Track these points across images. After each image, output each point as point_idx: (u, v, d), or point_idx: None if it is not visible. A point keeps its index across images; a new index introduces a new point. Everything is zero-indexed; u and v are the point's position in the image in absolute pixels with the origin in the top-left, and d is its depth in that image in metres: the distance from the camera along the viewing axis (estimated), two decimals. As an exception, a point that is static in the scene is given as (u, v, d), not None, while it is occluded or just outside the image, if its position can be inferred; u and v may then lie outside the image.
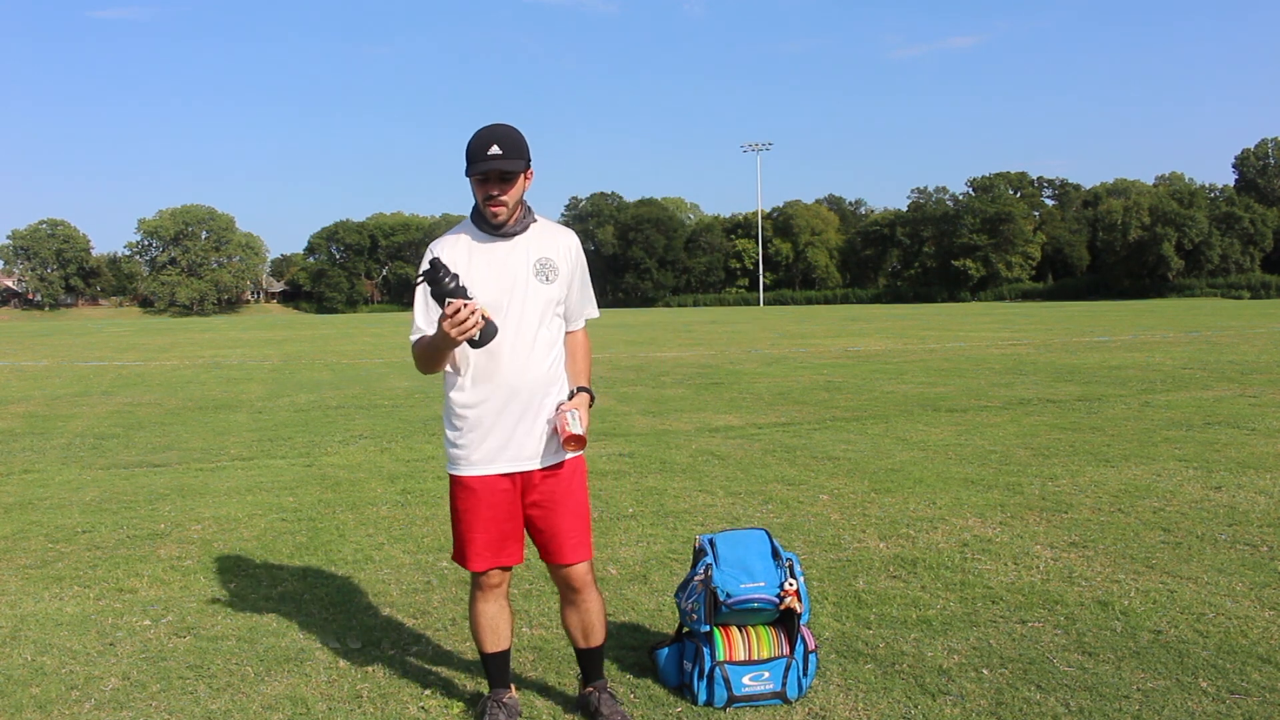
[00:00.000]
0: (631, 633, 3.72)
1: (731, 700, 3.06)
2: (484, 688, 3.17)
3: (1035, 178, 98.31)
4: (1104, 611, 3.80)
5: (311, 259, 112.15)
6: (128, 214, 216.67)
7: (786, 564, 3.20)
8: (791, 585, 3.14)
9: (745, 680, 3.08)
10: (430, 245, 2.87)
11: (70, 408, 12.16)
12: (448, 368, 2.85)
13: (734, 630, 3.20)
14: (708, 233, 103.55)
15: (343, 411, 11.05)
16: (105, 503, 6.25)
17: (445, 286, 2.56)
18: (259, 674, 3.41)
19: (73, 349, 29.19)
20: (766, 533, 3.31)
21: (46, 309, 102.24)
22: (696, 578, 3.21)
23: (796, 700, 3.09)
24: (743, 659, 3.11)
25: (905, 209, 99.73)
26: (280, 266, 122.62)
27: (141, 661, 3.54)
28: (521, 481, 2.87)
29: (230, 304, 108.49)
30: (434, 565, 4.68)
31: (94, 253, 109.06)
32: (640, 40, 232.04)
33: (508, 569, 2.95)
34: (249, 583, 4.48)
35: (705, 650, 3.11)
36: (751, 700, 3.07)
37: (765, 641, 3.15)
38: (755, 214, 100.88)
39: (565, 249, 2.91)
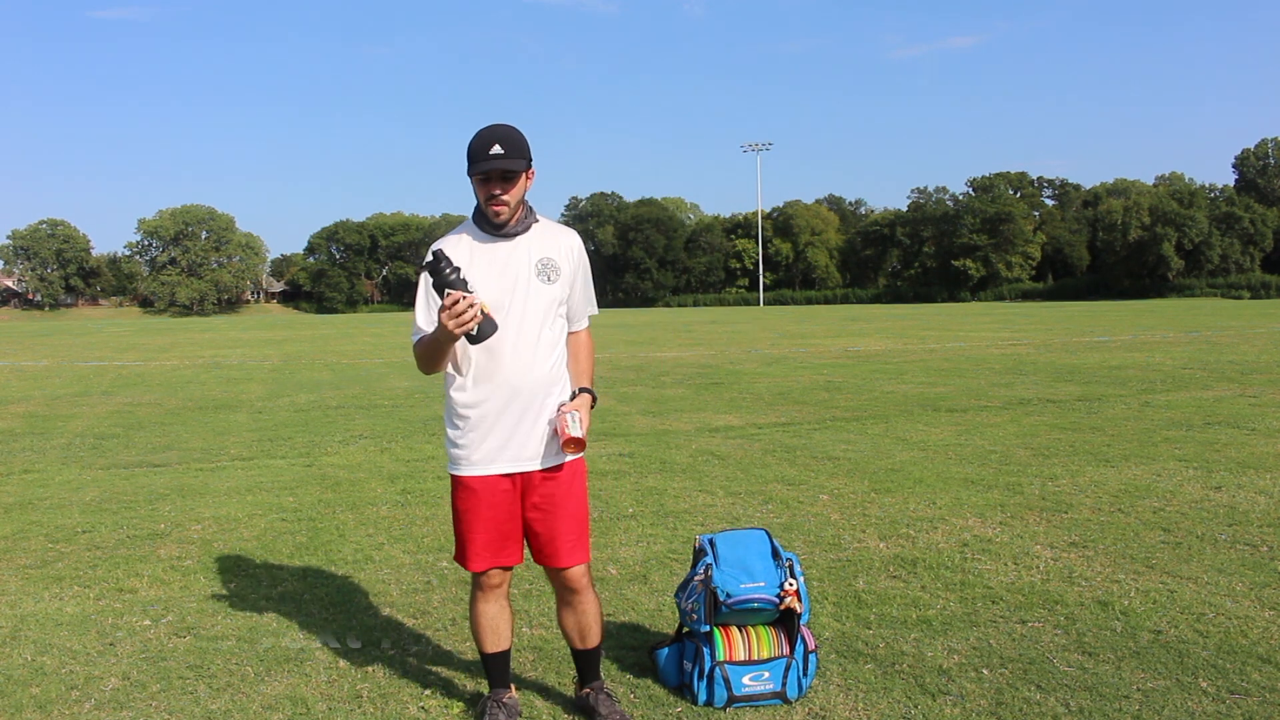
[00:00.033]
0: (631, 633, 3.72)
1: (731, 700, 3.06)
2: (484, 688, 3.17)
3: (1035, 178, 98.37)
4: (1104, 611, 3.80)
5: (311, 259, 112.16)
6: (128, 214, 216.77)
7: (786, 564, 3.20)
8: (791, 585, 3.14)
9: (745, 680, 3.08)
10: (433, 246, 2.87)
11: (70, 408, 12.16)
12: (450, 369, 2.85)
13: (734, 630, 3.20)
14: (708, 233, 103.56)
15: (343, 411, 11.05)
16: (105, 503, 6.25)
17: (446, 277, 2.56)
18: (259, 674, 3.40)
19: (73, 349, 29.19)
20: (766, 533, 3.31)
21: (46, 309, 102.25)
22: (696, 578, 3.21)
23: (796, 700, 3.09)
24: (743, 659, 3.11)
25: (905, 209, 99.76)
26: (280, 266, 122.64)
27: (141, 661, 3.54)
28: (522, 482, 2.87)
29: (230, 304, 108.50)
30: (434, 565, 4.68)
31: (94, 253, 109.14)
32: (640, 40, 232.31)
33: (508, 569, 2.95)
34: (249, 583, 4.48)
35: (705, 650, 3.11)
36: (751, 700, 3.07)
37: (765, 641, 3.15)
38: (755, 214, 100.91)
39: (567, 249, 2.91)
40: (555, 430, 2.81)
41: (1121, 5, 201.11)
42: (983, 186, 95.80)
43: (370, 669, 3.44)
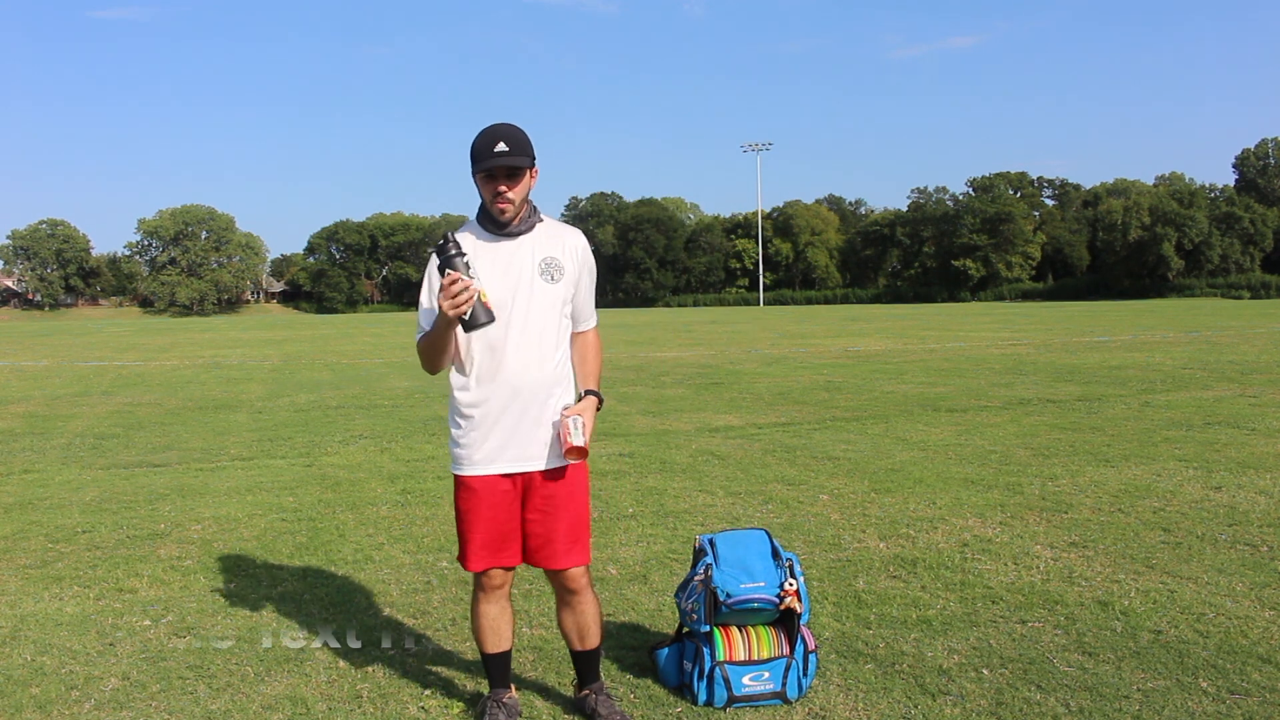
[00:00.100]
0: (631, 633, 3.72)
1: (731, 700, 3.06)
2: (484, 688, 3.17)
3: (1035, 178, 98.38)
4: (1104, 611, 3.80)
5: (311, 259, 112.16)
6: (128, 214, 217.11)
7: (786, 564, 3.20)
8: (791, 585, 3.13)
9: (745, 680, 3.07)
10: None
11: (70, 408, 12.16)
12: (453, 370, 2.85)
13: (734, 630, 3.19)
14: (708, 233, 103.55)
15: (343, 411, 11.05)
16: (105, 503, 6.25)
17: (451, 258, 2.59)
18: (259, 674, 3.40)
19: (73, 349, 29.19)
20: (766, 533, 3.31)
21: (46, 309, 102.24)
22: (696, 578, 3.21)
23: (796, 700, 3.09)
24: (743, 659, 3.11)
25: (905, 209, 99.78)
26: (280, 266, 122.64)
27: (141, 661, 3.54)
28: (523, 483, 2.86)
29: (230, 304, 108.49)
30: (434, 565, 4.68)
31: (94, 253, 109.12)
32: (640, 40, 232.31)
33: (509, 570, 2.95)
34: (249, 583, 4.48)
35: (705, 650, 3.11)
36: (751, 700, 3.07)
37: (765, 641, 3.15)
38: (755, 214, 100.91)
39: (572, 248, 2.91)
40: (558, 434, 2.81)
41: (1121, 5, 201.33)
42: (983, 186, 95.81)
43: (370, 669, 3.44)
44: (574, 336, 3.03)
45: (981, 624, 3.70)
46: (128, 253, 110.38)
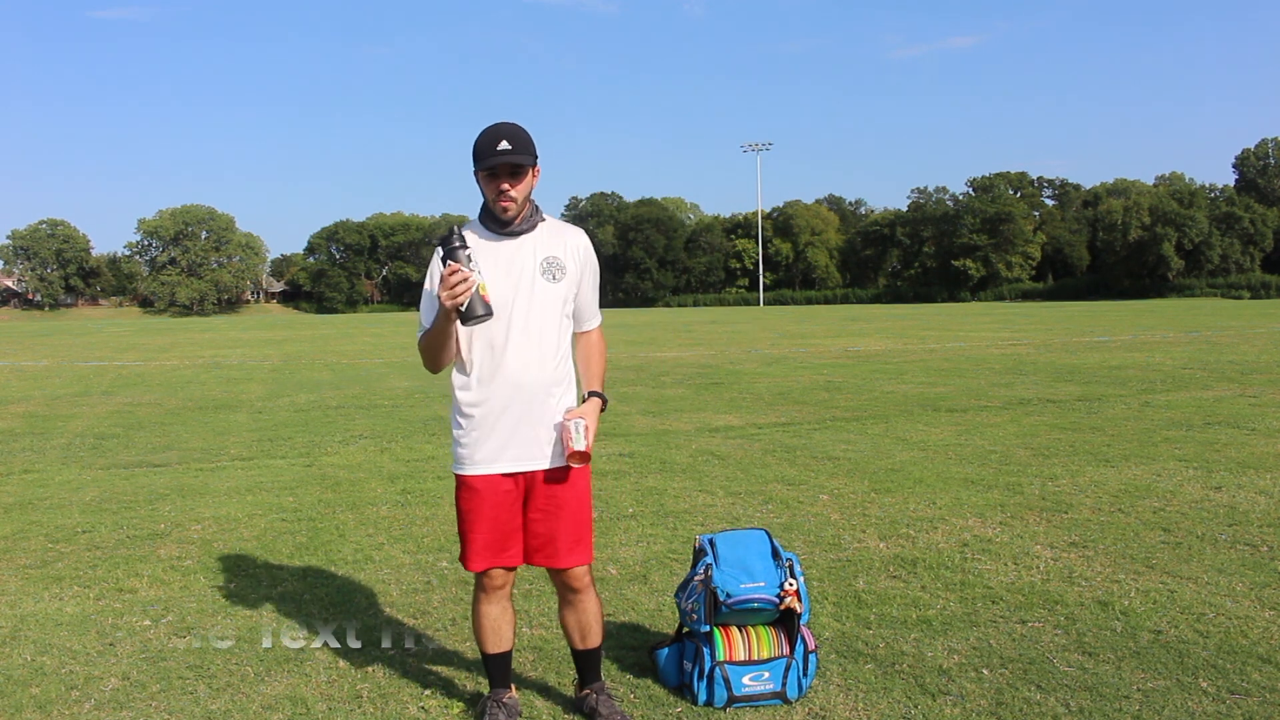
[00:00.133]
0: (631, 633, 3.72)
1: (731, 700, 3.06)
2: (484, 688, 3.17)
3: (1035, 178, 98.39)
4: (1104, 611, 3.80)
5: (311, 259, 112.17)
6: (128, 214, 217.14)
7: (786, 564, 3.20)
8: (791, 585, 3.13)
9: (745, 680, 3.07)
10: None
11: (70, 408, 12.16)
12: (455, 371, 2.85)
13: (734, 630, 3.19)
14: (708, 233, 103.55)
15: (343, 411, 11.05)
16: (105, 503, 6.25)
17: (454, 250, 2.60)
18: (259, 674, 3.40)
19: (73, 349, 29.19)
20: (766, 533, 3.31)
21: (46, 309, 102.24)
22: (696, 578, 3.21)
23: (796, 700, 3.09)
24: (743, 659, 3.11)
25: (905, 209, 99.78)
26: (280, 266, 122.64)
27: (141, 661, 3.54)
28: (525, 482, 2.86)
29: (230, 304, 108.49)
30: (434, 565, 4.68)
31: (94, 253, 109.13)
32: (640, 40, 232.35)
33: (510, 570, 2.94)
34: (249, 583, 4.48)
35: (705, 650, 3.11)
36: (751, 700, 3.07)
37: (765, 641, 3.15)
38: (755, 214, 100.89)
39: (574, 248, 2.91)
40: (561, 437, 2.81)
41: (1121, 5, 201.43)
42: (983, 186, 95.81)
43: (370, 669, 3.44)
44: (578, 336, 3.03)
45: (981, 624, 3.70)
46: (128, 253, 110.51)
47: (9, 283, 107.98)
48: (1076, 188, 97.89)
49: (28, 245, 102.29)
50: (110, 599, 4.27)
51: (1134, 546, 4.67)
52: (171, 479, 7.05)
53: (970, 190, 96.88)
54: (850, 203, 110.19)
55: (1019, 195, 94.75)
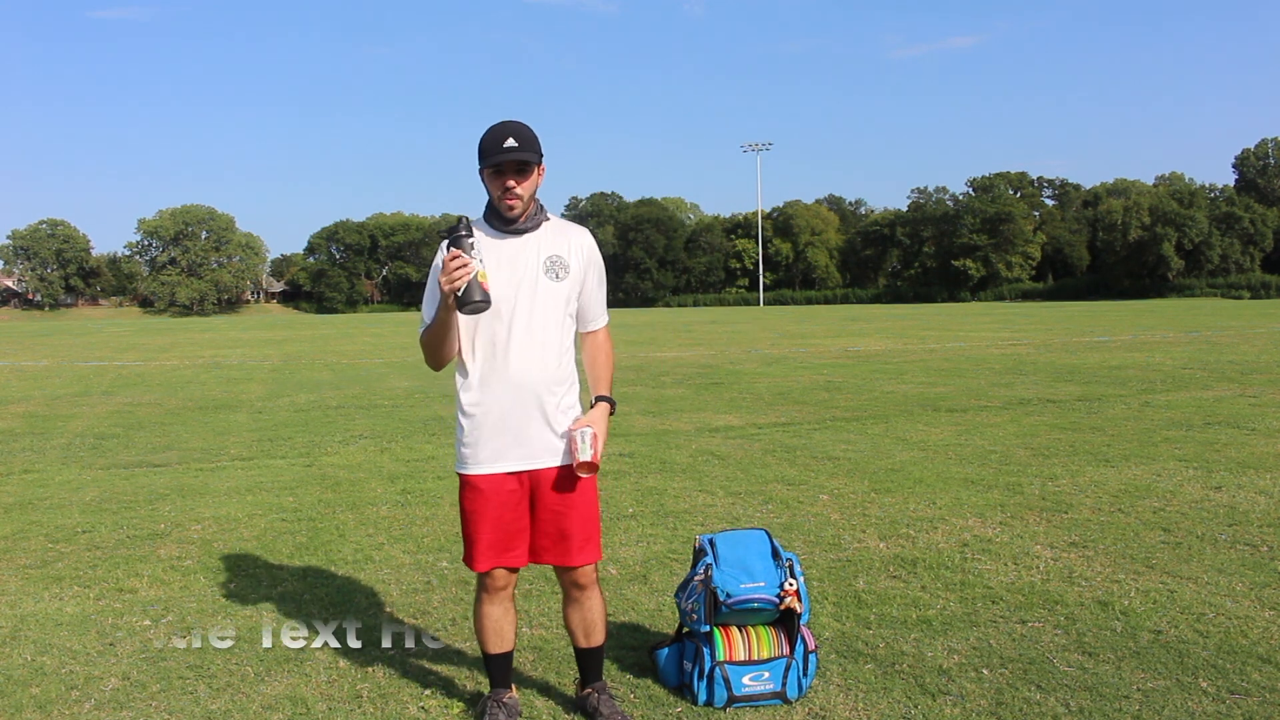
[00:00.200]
0: (631, 633, 3.72)
1: (731, 700, 3.06)
2: (484, 688, 3.17)
3: (1035, 178, 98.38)
4: (1104, 611, 3.80)
5: (311, 259, 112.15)
6: (128, 214, 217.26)
7: (786, 564, 3.20)
8: (791, 585, 3.13)
9: (745, 680, 3.07)
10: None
11: (70, 408, 12.16)
12: (458, 371, 2.85)
13: (734, 630, 3.19)
14: (708, 233, 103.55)
15: (343, 411, 11.05)
16: (105, 503, 6.25)
17: (460, 239, 2.61)
18: (259, 674, 3.40)
19: (73, 349, 29.19)
20: (766, 533, 3.31)
21: (46, 309, 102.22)
22: (696, 578, 3.21)
23: (796, 700, 3.09)
24: (743, 659, 3.11)
25: (905, 209, 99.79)
26: (280, 266, 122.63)
27: (141, 661, 3.54)
28: (530, 481, 2.86)
29: (230, 304, 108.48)
30: (434, 565, 4.68)
31: (94, 253, 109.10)
32: (640, 40, 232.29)
33: (513, 571, 2.94)
34: (249, 583, 4.48)
35: (705, 650, 3.11)
36: (751, 700, 3.07)
37: (765, 641, 3.15)
38: (755, 214, 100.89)
39: (578, 247, 2.91)
40: (569, 445, 2.81)
41: (1121, 5, 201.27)
42: (983, 186, 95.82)
43: (370, 669, 3.44)
44: (584, 336, 3.02)
45: (981, 624, 3.70)
46: (128, 253, 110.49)
47: (9, 283, 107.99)
48: (1076, 188, 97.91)
49: (28, 245, 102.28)
50: (110, 599, 4.27)
51: (1134, 546, 4.68)
52: (171, 479, 7.05)
53: (970, 190, 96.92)
54: (850, 203, 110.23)
55: (1019, 195, 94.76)
